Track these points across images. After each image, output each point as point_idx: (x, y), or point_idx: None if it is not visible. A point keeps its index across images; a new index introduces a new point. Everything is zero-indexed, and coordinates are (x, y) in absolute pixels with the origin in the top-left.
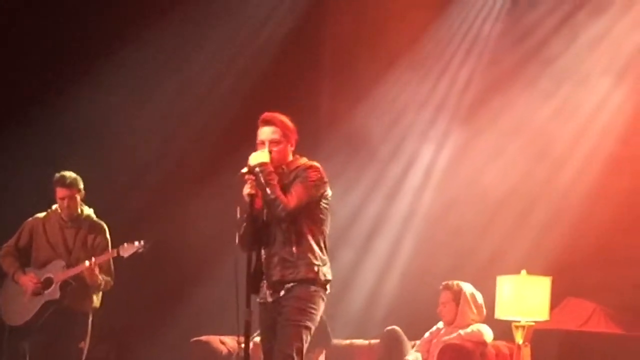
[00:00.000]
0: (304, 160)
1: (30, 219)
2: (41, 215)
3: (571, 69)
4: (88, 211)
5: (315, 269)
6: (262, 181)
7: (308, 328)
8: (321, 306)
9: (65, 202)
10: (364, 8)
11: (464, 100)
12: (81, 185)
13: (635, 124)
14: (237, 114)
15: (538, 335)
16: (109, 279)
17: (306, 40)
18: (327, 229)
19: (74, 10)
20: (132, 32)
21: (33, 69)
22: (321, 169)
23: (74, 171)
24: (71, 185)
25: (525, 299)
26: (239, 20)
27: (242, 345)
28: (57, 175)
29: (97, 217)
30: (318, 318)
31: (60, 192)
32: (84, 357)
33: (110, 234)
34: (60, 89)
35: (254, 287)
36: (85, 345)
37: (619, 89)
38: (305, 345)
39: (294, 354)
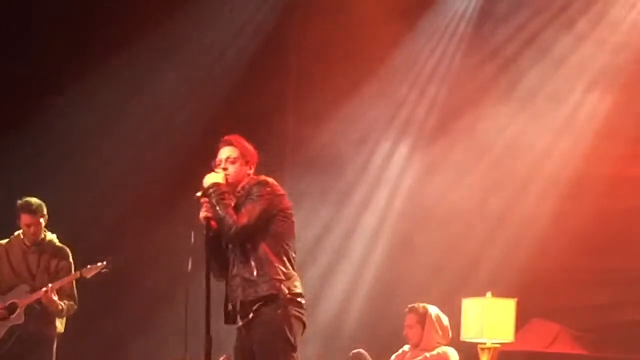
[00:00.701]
0: (256, 177)
1: None
2: (3, 242)
3: (537, 89)
4: (51, 236)
5: (277, 284)
6: (214, 201)
7: (286, 351)
8: (297, 325)
9: (32, 229)
10: (328, 27)
11: (429, 120)
12: (45, 211)
13: (599, 144)
14: (201, 139)
15: (504, 357)
16: (72, 303)
17: (270, 63)
18: (291, 241)
19: (41, 34)
20: (98, 58)
21: None
22: (272, 182)
23: (38, 196)
24: (37, 211)
25: (490, 320)
26: (201, 45)
27: None
28: (22, 201)
29: (60, 242)
30: (296, 339)
31: (26, 218)
32: None
33: (74, 259)
34: (23, 115)
35: (227, 316)
36: None
37: (583, 109)
38: None
39: None
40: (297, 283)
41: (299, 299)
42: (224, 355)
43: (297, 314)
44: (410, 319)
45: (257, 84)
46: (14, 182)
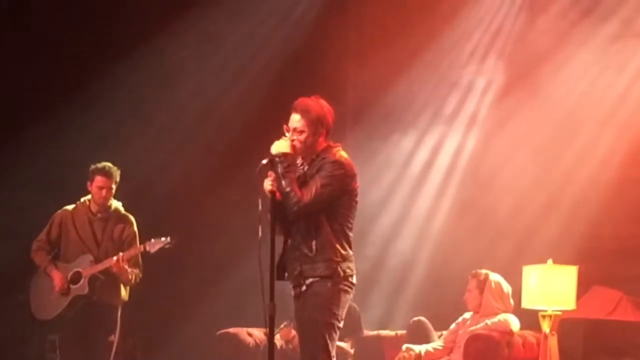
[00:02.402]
0: (333, 152)
1: (59, 211)
2: (70, 207)
3: (605, 48)
4: (117, 204)
5: (334, 265)
6: (279, 172)
7: (330, 324)
8: (344, 299)
9: (104, 192)
10: None
11: (495, 81)
12: (118, 178)
13: None
14: (263, 103)
15: (565, 325)
16: (137, 271)
17: (332, 25)
18: (351, 223)
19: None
20: (166, 16)
21: (55, 68)
22: (346, 163)
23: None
24: (112, 175)
25: (551, 288)
26: (267, 6)
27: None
28: (98, 164)
29: (125, 210)
30: (342, 312)
31: (102, 181)
32: (113, 351)
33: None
34: (85, 82)
35: (278, 274)
36: (115, 338)
37: None
38: (332, 342)
39: (320, 356)
40: (352, 265)
41: (350, 279)
42: (285, 322)
43: (345, 288)
44: (471, 284)
45: (319, 46)
46: (74, 149)
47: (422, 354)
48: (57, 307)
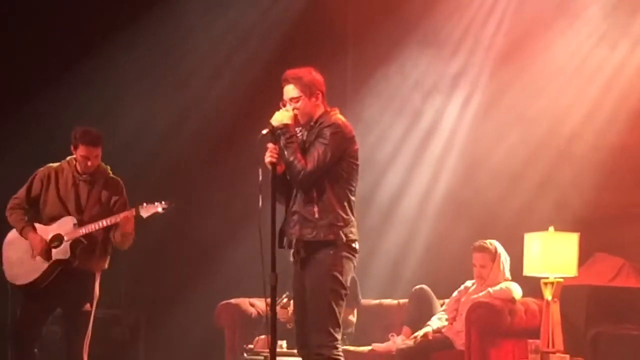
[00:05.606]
0: (330, 115)
1: (42, 167)
2: (54, 165)
3: (601, 19)
4: (104, 166)
5: (336, 230)
6: (282, 144)
7: (335, 291)
8: (347, 266)
9: (90, 162)
10: None
11: (489, 57)
12: (103, 141)
13: None
14: (261, 75)
15: (567, 292)
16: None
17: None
18: (354, 187)
19: None
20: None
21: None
22: (343, 125)
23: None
24: (99, 143)
25: (553, 255)
26: None
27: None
28: (81, 130)
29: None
30: (347, 279)
31: (88, 150)
32: (91, 319)
33: (135, 198)
34: (82, 50)
35: (280, 243)
36: (92, 307)
37: None
38: (339, 309)
39: (328, 323)
40: (354, 229)
41: (353, 245)
42: (287, 293)
43: (348, 255)
44: (483, 258)
45: (315, 22)
46: (80, 116)
47: (431, 331)
48: (35, 271)
